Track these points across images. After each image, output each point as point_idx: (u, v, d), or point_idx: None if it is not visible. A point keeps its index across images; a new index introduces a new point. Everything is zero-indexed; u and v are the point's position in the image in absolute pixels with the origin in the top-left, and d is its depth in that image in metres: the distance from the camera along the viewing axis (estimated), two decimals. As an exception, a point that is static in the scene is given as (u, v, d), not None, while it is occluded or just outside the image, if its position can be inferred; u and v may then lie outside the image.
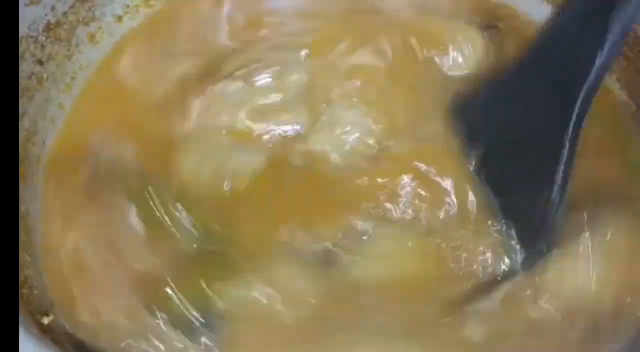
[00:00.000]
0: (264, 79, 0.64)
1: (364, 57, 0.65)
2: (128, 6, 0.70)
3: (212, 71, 0.65)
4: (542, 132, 0.56)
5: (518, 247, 0.57)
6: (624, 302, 0.54)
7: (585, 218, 0.57)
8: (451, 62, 0.66)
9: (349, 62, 0.65)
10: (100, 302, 0.54)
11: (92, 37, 0.67)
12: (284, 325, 0.54)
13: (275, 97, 0.63)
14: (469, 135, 0.61)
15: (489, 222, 0.58)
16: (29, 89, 0.61)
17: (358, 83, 0.64)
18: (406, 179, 0.59)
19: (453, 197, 0.59)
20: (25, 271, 0.54)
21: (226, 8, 0.71)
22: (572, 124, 0.53)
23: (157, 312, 0.53)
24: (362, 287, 0.56)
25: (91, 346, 0.52)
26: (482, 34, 0.67)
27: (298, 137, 0.62)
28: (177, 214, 0.58)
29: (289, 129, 0.62)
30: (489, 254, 0.57)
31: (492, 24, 0.69)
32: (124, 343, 0.52)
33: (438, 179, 0.60)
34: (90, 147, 0.61)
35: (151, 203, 0.58)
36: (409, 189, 0.59)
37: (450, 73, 0.66)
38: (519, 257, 0.57)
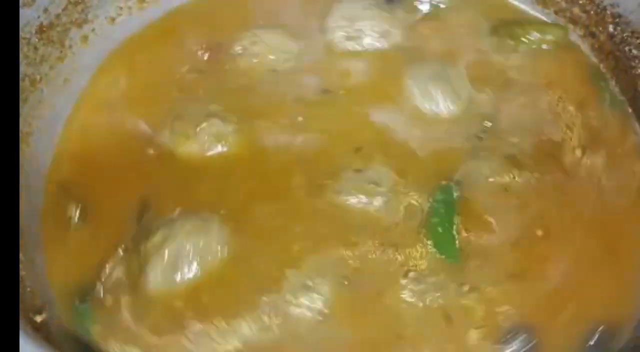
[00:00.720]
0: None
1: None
2: (121, 8, 0.70)
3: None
4: None
5: None
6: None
7: None
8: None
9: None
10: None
11: (84, 38, 0.68)
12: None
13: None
14: None
15: None
16: (22, 91, 0.61)
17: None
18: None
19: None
20: (20, 271, 0.54)
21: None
22: None
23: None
24: None
25: (84, 343, 0.52)
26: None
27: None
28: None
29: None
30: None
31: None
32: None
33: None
34: (85, 147, 0.62)
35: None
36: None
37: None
38: None
